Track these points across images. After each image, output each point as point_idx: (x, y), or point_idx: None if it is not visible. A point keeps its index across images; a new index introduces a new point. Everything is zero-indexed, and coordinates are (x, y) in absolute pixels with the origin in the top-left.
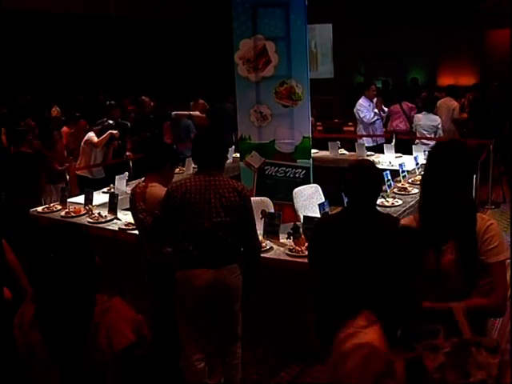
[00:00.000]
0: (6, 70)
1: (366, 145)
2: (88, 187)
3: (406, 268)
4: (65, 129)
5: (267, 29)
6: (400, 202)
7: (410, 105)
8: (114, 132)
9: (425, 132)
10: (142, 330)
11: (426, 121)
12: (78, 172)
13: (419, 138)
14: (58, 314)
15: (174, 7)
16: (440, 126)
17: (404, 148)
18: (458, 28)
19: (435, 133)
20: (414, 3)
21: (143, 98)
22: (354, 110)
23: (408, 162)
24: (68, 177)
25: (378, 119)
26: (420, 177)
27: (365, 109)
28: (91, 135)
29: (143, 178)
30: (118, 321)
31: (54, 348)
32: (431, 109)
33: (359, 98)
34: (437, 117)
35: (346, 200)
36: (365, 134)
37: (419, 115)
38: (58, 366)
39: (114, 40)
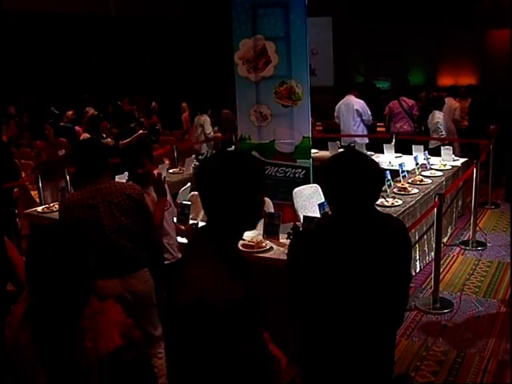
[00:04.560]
0: (6, 70)
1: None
2: None
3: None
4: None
5: (267, 29)
6: (400, 201)
7: (410, 102)
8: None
9: (430, 131)
10: (131, 335)
11: (430, 119)
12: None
13: (421, 138)
14: (47, 313)
15: (174, 7)
16: (440, 125)
17: (404, 148)
18: (458, 28)
19: (436, 131)
20: (414, 3)
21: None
22: (359, 108)
23: (408, 162)
24: (68, 176)
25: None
26: (420, 177)
27: (367, 108)
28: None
29: None
30: (106, 324)
31: (41, 348)
32: (437, 107)
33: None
34: (438, 115)
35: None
36: (365, 133)
37: (430, 115)
38: (44, 368)
39: (114, 40)
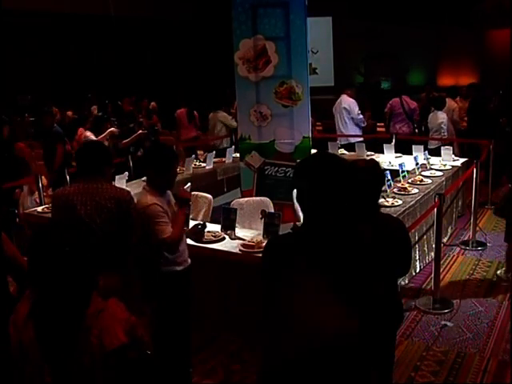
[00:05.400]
0: (6, 70)
1: (343, 142)
2: None
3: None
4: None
5: (267, 29)
6: (400, 201)
7: (412, 104)
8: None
9: (431, 131)
10: (135, 332)
11: (433, 119)
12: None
13: (421, 139)
14: (51, 311)
15: (174, 7)
16: (444, 125)
17: (404, 148)
18: (458, 28)
19: (439, 131)
20: (414, 3)
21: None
22: (347, 106)
23: (408, 162)
24: (68, 177)
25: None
26: (420, 177)
27: (356, 107)
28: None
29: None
30: (111, 322)
31: (46, 346)
32: (439, 107)
33: (358, 97)
34: (441, 115)
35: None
36: (358, 132)
37: (430, 115)
38: (49, 366)
39: (114, 40)
